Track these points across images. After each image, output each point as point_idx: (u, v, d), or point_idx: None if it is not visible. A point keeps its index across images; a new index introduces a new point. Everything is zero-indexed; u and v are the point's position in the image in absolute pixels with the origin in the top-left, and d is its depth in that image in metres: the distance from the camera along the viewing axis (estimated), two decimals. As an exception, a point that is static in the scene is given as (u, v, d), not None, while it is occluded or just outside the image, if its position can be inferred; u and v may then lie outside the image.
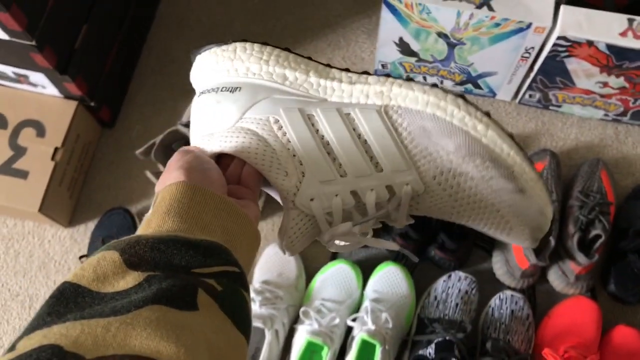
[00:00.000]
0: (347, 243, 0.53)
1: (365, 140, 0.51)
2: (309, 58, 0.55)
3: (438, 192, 0.52)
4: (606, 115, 1.14)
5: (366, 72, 0.54)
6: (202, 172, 0.46)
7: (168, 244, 0.38)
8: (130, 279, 0.36)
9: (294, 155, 0.50)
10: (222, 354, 0.35)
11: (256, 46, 0.56)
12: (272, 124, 0.51)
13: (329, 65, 0.55)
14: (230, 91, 0.53)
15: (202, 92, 0.55)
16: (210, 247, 0.40)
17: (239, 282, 0.40)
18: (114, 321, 0.32)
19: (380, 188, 0.51)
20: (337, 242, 0.53)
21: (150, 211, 0.43)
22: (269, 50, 0.55)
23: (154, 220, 0.42)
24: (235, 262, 0.41)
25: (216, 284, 0.38)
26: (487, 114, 0.52)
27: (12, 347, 0.31)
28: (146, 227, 0.41)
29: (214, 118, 0.53)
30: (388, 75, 0.52)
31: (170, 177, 0.45)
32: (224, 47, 0.56)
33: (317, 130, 0.51)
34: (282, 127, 0.51)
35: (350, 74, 0.54)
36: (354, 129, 0.51)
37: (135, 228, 1.09)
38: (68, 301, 0.34)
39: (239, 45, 0.56)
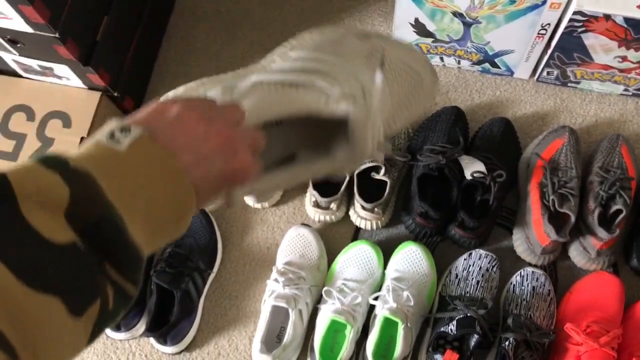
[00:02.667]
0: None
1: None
2: None
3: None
4: (626, 90, 1.14)
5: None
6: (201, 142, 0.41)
7: (109, 224, 0.35)
8: (59, 232, 0.33)
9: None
10: None
11: None
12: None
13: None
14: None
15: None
16: (135, 256, 0.36)
17: (128, 304, 0.37)
18: (28, 293, 0.30)
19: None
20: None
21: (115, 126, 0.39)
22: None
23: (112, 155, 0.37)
24: (139, 282, 0.37)
25: (111, 301, 0.35)
26: None
27: None
28: (108, 159, 0.37)
29: None
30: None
31: (167, 114, 0.41)
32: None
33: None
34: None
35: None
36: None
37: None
38: None
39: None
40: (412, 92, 0.58)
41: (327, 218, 1.09)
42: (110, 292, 0.35)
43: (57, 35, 0.94)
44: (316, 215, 1.09)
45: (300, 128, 0.56)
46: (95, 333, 0.35)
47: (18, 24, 0.93)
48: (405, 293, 0.98)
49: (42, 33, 0.95)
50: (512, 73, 1.17)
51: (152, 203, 0.38)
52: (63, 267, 0.32)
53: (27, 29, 0.94)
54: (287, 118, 0.52)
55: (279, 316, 1.02)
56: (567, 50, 1.04)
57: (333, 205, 1.06)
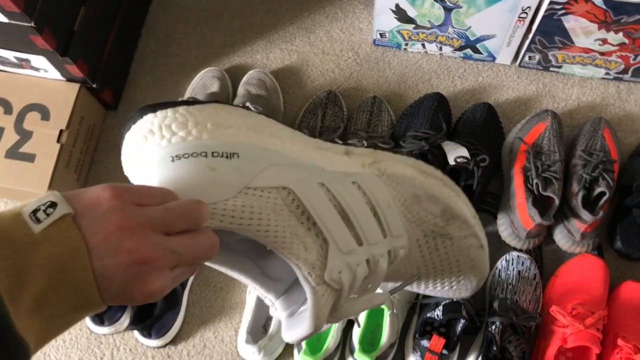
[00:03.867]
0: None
1: (377, 209, 0.51)
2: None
3: (415, 254, 0.55)
4: (607, 74, 1.14)
5: (350, 144, 0.56)
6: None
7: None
8: None
9: (309, 229, 0.47)
10: None
11: (234, 107, 0.49)
12: (284, 197, 0.47)
13: (313, 136, 0.53)
14: (227, 157, 0.45)
15: (177, 157, 0.45)
16: (18, 347, 0.34)
17: None
18: None
19: (384, 254, 0.51)
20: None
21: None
22: (254, 116, 0.49)
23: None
24: None
25: None
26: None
27: None
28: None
29: (208, 188, 0.44)
30: (375, 147, 0.55)
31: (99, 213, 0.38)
32: (199, 106, 0.47)
33: (333, 199, 0.49)
34: (295, 199, 0.47)
35: (339, 145, 0.53)
36: (364, 197, 0.51)
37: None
38: None
39: (220, 107, 0.48)
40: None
41: (312, 207, 1.08)
42: None
43: (33, 24, 0.93)
44: (300, 204, 1.08)
45: None
46: None
47: (-8, 13, 0.91)
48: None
49: (17, 22, 0.93)
50: (494, 58, 1.17)
51: (47, 293, 0.36)
52: None
53: (2, 18, 0.92)
54: None
55: (264, 306, 1.01)
56: (548, 33, 1.04)
57: (317, 194, 1.06)
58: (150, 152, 0.46)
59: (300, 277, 0.47)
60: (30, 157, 1.07)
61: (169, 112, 0.46)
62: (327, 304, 0.47)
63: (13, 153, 1.08)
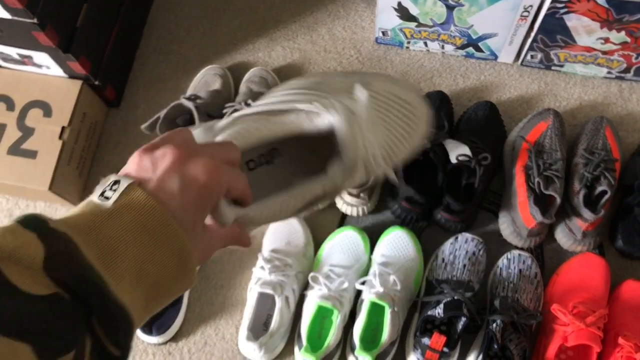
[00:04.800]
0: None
1: None
2: None
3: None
4: (609, 73, 1.14)
5: None
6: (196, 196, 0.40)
7: (88, 282, 0.34)
8: (38, 286, 0.33)
9: None
10: None
11: None
12: None
13: None
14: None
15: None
16: (121, 317, 0.35)
17: None
18: None
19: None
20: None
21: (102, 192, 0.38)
22: None
23: (99, 217, 0.37)
24: (125, 345, 0.36)
25: (87, 356, 0.34)
26: None
27: None
28: (90, 216, 0.37)
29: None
30: None
31: (162, 167, 0.39)
32: None
33: None
34: None
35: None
36: None
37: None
38: None
39: None
40: (408, 122, 0.56)
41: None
42: (87, 347, 0.34)
43: (35, 21, 0.93)
44: (302, 202, 1.08)
45: (295, 163, 0.55)
46: None
47: (-5, 10, 0.92)
48: (392, 277, 0.97)
49: (20, 19, 0.93)
50: (496, 57, 1.17)
51: (142, 260, 0.37)
52: (38, 316, 0.32)
53: (5, 14, 0.92)
54: (279, 150, 0.52)
55: (265, 303, 1.02)
56: (550, 32, 1.04)
57: (318, 192, 1.06)
58: None
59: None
60: (32, 154, 1.08)
61: None
62: None
63: (15, 150, 1.08)
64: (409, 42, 1.18)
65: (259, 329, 1.01)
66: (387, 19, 1.11)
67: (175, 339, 1.06)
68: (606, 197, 0.99)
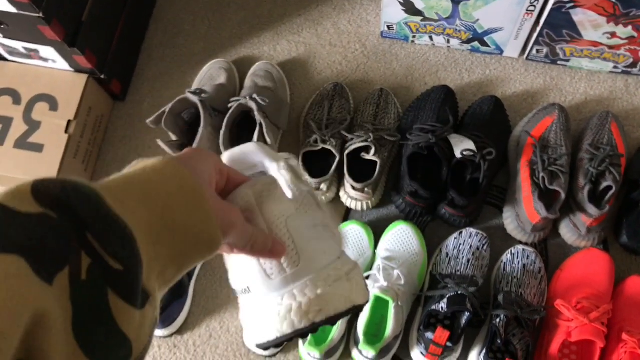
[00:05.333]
0: None
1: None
2: None
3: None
4: (615, 67, 1.13)
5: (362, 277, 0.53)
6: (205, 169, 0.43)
7: (80, 192, 0.34)
8: (27, 206, 0.33)
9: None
10: (40, 337, 0.31)
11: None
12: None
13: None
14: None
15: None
16: (112, 223, 0.35)
17: (114, 284, 0.35)
18: None
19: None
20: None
21: None
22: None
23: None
24: (126, 258, 0.35)
25: (85, 271, 0.33)
26: None
27: None
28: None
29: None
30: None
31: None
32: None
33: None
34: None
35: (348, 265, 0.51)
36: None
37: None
38: None
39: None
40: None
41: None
42: (84, 261, 0.33)
43: (41, 15, 0.93)
44: (306, 196, 1.08)
45: None
46: (78, 317, 0.33)
47: (1, 4, 0.92)
48: (396, 272, 0.98)
49: (26, 13, 0.93)
50: (501, 51, 1.16)
51: (146, 188, 0.38)
52: (27, 230, 0.32)
53: (11, 9, 0.93)
54: None
55: (270, 297, 1.02)
56: (556, 27, 1.04)
57: (323, 186, 1.06)
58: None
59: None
60: (38, 147, 1.08)
61: None
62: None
63: (22, 143, 1.09)
64: (414, 36, 1.18)
65: (264, 322, 1.01)
66: (392, 13, 1.11)
67: (180, 331, 1.07)
68: (611, 192, 0.99)
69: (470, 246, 1.02)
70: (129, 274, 0.35)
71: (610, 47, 1.07)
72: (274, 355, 1.02)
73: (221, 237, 0.41)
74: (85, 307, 0.33)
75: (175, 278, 0.40)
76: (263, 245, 0.45)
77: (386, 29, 1.17)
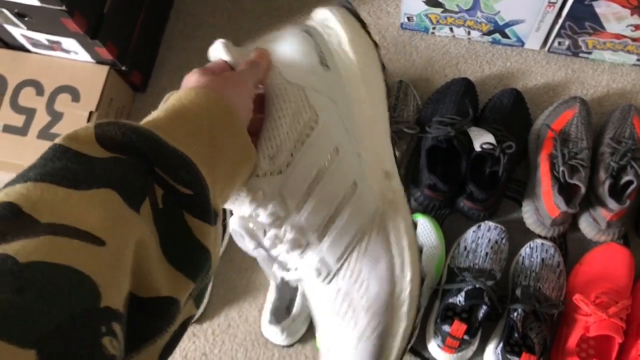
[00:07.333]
0: (247, 244, 0.52)
1: (339, 216, 0.50)
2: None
3: (326, 299, 0.52)
4: (639, 60, 1.12)
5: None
6: (238, 93, 0.47)
7: (141, 134, 0.38)
8: (98, 152, 0.37)
9: (292, 155, 0.50)
10: (143, 262, 0.35)
11: (378, 62, 0.56)
12: (310, 119, 0.51)
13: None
14: (322, 63, 0.53)
15: (309, 33, 0.55)
16: (175, 156, 0.39)
17: (188, 206, 0.39)
18: (74, 194, 0.34)
19: (303, 249, 0.50)
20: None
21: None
22: (379, 78, 0.56)
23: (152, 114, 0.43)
24: (193, 183, 0.39)
25: (160, 200, 0.38)
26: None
27: None
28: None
29: (292, 60, 0.53)
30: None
31: (202, 80, 0.47)
32: (364, 32, 0.56)
33: (326, 167, 0.50)
34: (313, 129, 0.51)
35: (391, 168, 0.54)
36: (344, 199, 0.51)
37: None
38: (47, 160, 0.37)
39: (371, 45, 0.56)
40: None
41: (336, 191, 1.08)
42: (158, 192, 0.38)
43: (64, 8, 0.94)
44: (325, 188, 1.09)
45: None
46: (164, 240, 0.37)
47: (25, -4, 0.93)
48: (414, 265, 0.98)
49: (49, 6, 0.94)
50: (522, 44, 1.15)
51: (189, 115, 0.43)
52: (108, 170, 0.36)
53: (35, 2, 0.94)
54: None
55: (288, 288, 1.03)
56: (579, 19, 1.03)
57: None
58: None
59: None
60: (61, 138, 1.10)
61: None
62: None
63: (45, 134, 1.10)
64: (434, 28, 1.17)
65: (282, 312, 1.02)
66: (412, 4, 1.10)
67: (199, 320, 1.08)
68: (632, 187, 0.98)
69: (489, 240, 1.02)
70: (198, 196, 0.39)
71: (634, 40, 1.05)
72: (292, 345, 1.03)
73: (252, 146, 0.46)
74: (169, 230, 0.38)
75: (230, 195, 0.46)
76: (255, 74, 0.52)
77: (406, 20, 1.16)
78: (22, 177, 0.35)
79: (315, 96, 0.52)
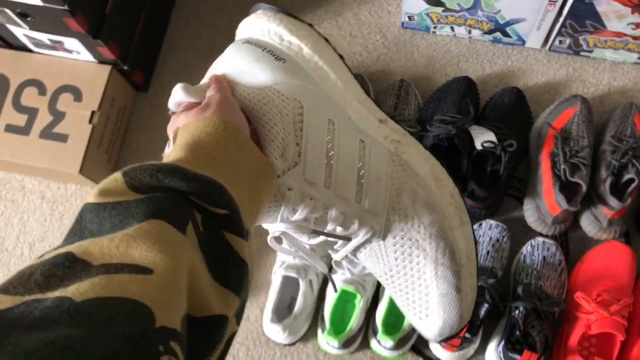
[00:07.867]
0: (287, 247, 0.54)
1: (363, 173, 0.53)
2: (359, 77, 0.58)
3: (389, 250, 0.54)
4: (640, 58, 1.12)
5: (392, 117, 0.58)
6: (232, 110, 0.49)
7: (167, 170, 0.40)
8: (133, 197, 0.39)
9: (298, 144, 0.51)
10: (196, 283, 0.37)
11: (321, 38, 0.57)
12: (295, 107, 0.52)
13: (372, 100, 0.59)
14: (275, 58, 0.54)
15: (248, 41, 0.56)
16: (205, 182, 0.41)
17: (225, 225, 0.42)
18: (119, 233, 0.36)
19: (348, 216, 0.52)
20: (279, 242, 0.54)
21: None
22: (329, 49, 0.57)
23: (171, 154, 0.45)
24: (226, 204, 0.42)
25: (200, 223, 0.40)
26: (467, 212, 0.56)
27: (40, 257, 0.35)
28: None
29: (246, 70, 0.54)
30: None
31: (204, 111, 0.48)
32: (293, 19, 0.57)
33: (330, 138, 0.53)
34: (302, 115, 0.52)
35: (380, 111, 0.57)
36: (360, 157, 0.53)
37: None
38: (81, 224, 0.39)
39: (307, 27, 0.57)
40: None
41: (337, 189, 1.09)
42: (198, 217, 0.40)
43: (66, 7, 0.95)
44: (326, 187, 1.09)
45: None
46: (210, 259, 0.39)
47: (27, -4, 0.94)
48: (415, 263, 0.98)
49: (51, 6, 0.95)
50: (523, 42, 1.15)
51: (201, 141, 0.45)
52: (149, 205, 0.38)
53: (37, 1, 0.94)
54: None
55: (289, 286, 1.03)
56: (580, 17, 1.03)
57: (343, 177, 1.07)
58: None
59: None
60: (63, 138, 1.10)
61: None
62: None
63: (47, 133, 1.11)
64: (435, 27, 1.17)
65: (283, 311, 1.03)
66: (413, 3, 1.11)
67: (201, 319, 1.08)
68: (633, 185, 0.98)
69: (490, 238, 1.02)
70: (232, 215, 0.42)
71: (635, 38, 1.05)
72: (293, 343, 1.04)
73: (268, 159, 0.49)
74: (213, 250, 0.40)
75: (259, 212, 0.48)
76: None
77: (407, 19, 1.17)
78: (66, 242, 0.38)
79: (287, 87, 0.53)
